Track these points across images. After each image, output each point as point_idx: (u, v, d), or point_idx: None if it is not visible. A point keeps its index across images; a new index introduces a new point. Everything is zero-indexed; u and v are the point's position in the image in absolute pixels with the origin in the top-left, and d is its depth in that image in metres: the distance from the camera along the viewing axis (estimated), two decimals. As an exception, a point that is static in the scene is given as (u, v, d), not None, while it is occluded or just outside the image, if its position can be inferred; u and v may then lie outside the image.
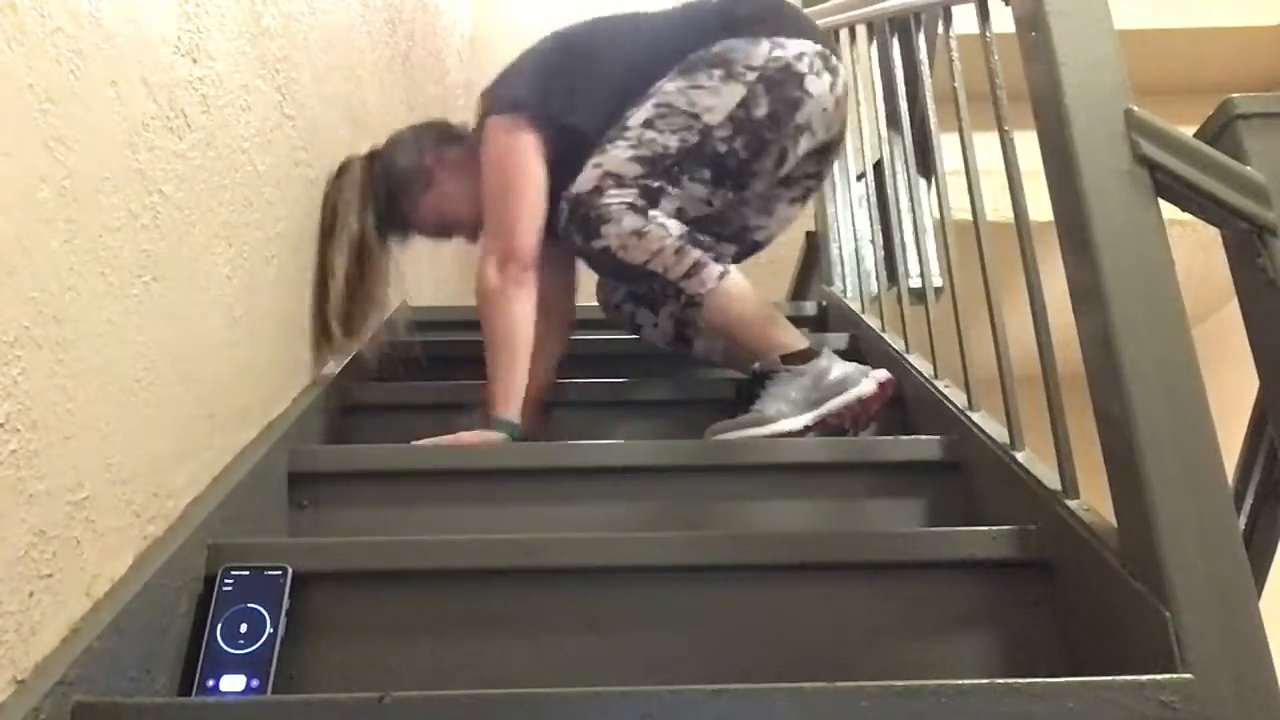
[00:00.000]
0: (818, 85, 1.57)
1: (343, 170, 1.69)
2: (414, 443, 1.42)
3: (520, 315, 1.53)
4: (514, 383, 1.49)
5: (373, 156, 1.72)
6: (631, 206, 1.49)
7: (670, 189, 1.53)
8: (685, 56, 1.58)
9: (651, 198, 1.52)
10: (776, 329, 1.53)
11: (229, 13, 1.26)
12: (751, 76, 1.54)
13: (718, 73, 1.54)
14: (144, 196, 1.00)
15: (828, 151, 1.69)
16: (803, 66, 1.56)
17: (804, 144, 1.60)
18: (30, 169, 0.80)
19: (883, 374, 1.49)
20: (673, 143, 1.53)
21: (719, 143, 1.53)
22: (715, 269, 1.51)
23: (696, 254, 1.50)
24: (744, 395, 1.53)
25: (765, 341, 1.52)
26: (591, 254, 1.52)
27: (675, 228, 1.51)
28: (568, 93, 1.61)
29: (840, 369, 1.48)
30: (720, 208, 1.60)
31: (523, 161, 1.57)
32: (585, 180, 1.52)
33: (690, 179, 1.54)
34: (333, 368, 1.65)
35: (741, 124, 1.53)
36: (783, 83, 1.55)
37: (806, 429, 1.43)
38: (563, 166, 1.57)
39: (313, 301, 1.58)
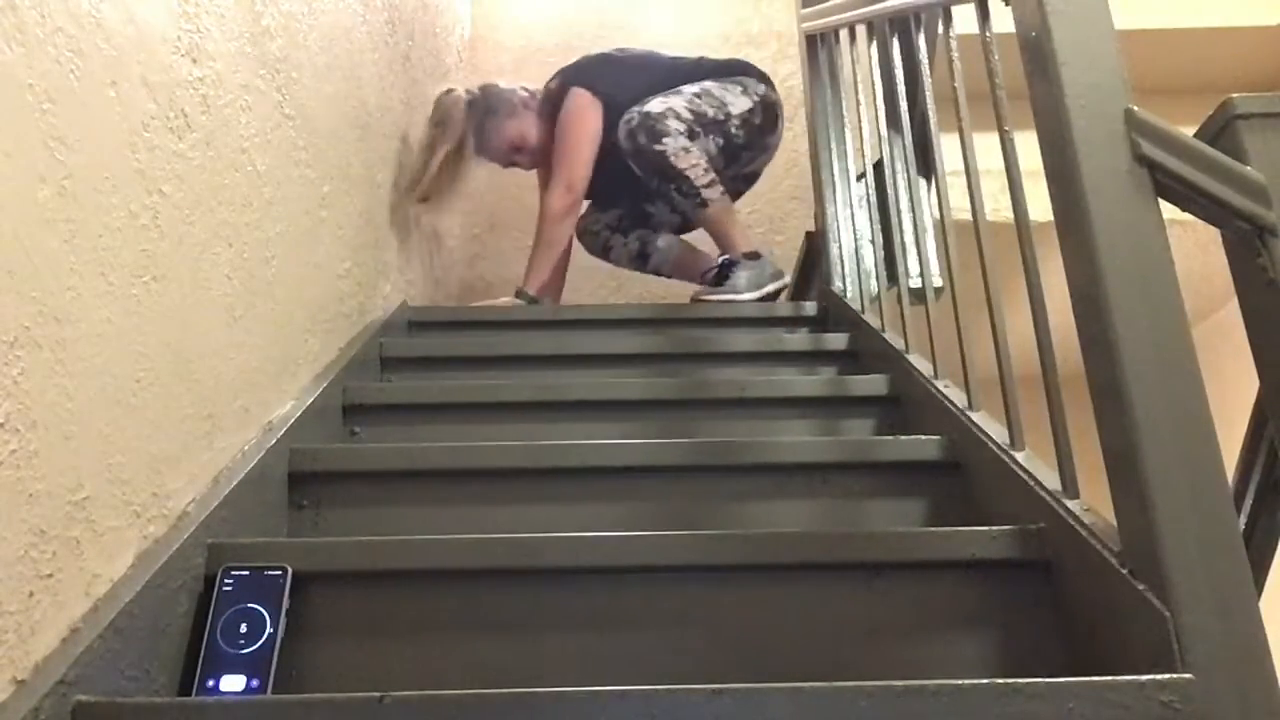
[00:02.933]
0: (780, 129, 2.53)
1: (450, 90, 2.50)
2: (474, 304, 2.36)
3: (567, 229, 2.42)
4: (544, 273, 2.35)
5: (472, 90, 2.51)
6: (683, 133, 2.29)
7: (701, 137, 2.33)
8: (712, 77, 2.44)
9: (691, 134, 2.31)
10: (741, 237, 2.39)
11: (229, 13, 1.26)
12: (756, 98, 2.44)
13: (737, 88, 2.43)
14: (144, 196, 1.00)
15: (751, 179, 2.60)
16: (779, 112, 2.52)
17: (757, 161, 2.53)
18: (30, 169, 0.80)
19: (785, 278, 2.41)
20: (709, 110, 2.36)
21: (732, 127, 2.38)
22: (720, 187, 2.34)
23: (713, 174, 2.32)
24: (717, 275, 2.36)
25: (735, 241, 2.37)
26: (650, 153, 2.27)
27: (703, 154, 2.32)
28: (618, 85, 2.42)
29: (769, 265, 2.36)
30: (717, 169, 2.36)
31: (593, 125, 2.38)
32: (655, 105, 2.30)
33: (710, 139, 2.36)
34: (329, 371, 1.65)
35: (746, 122, 2.41)
36: (769, 113, 2.47)
37: (757, 298, 2.29)
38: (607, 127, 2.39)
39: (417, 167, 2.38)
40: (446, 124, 2.43)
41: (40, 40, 0.82)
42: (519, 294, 2.31)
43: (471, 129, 2.45)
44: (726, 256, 2.36)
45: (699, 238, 2.59)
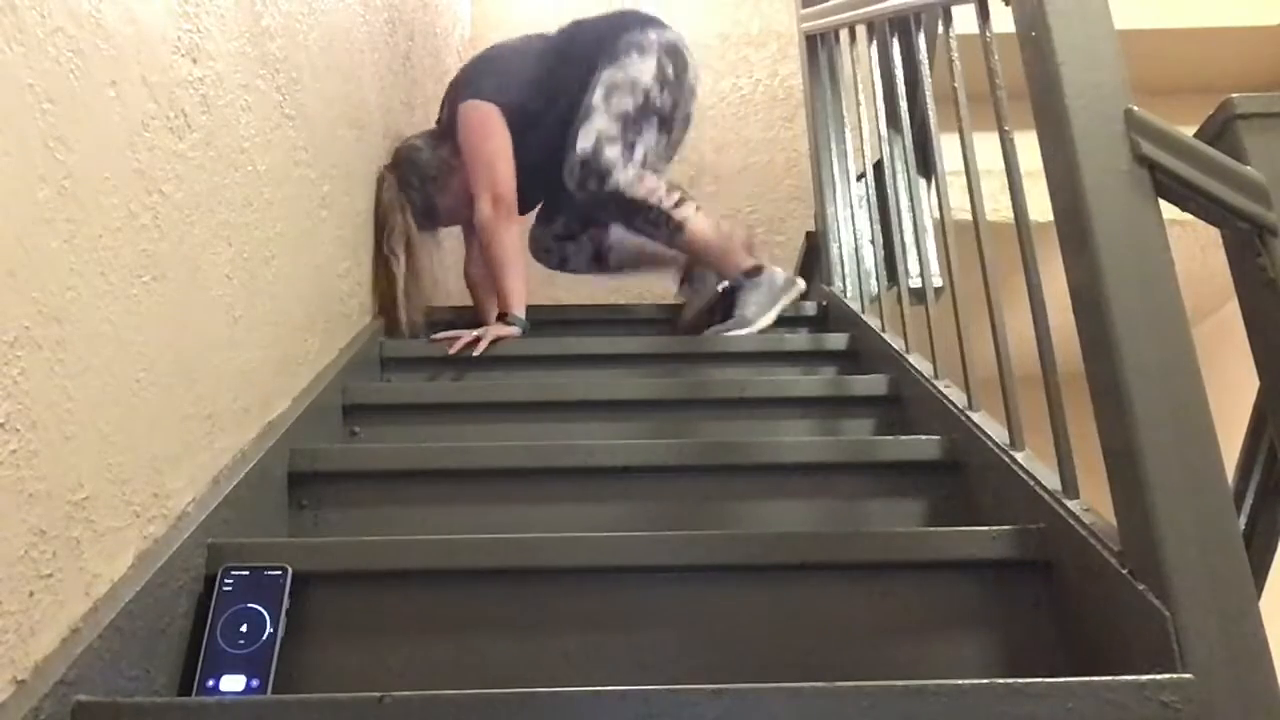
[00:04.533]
0: (690, 58, 2.21)
1: (379, 182, 2.09)
2: (435, 336, 1.92)
3: (515, 237, 2.06)
4: (520, 288, 2.01)
5: (398, 165, 2.14)
6: (624, 158, 2.03)
7: (638, 139, 2.07)
8: (603, 55, 2.14)
9: (631, 147, 2.05)
10: (735, 252, 2.11)
11: (229, 13, 1.26)
12: (656, 49, 2.14)
13: (635, 54, 2.13)
14: (144, 196, 1.00)
15: (686, 122, 2.27)
16: (680, 44, 2.20)
17: (688, 105, 2.22)
18: (30, 169, 0.80)
19: (801, 282, 2.17)
20: (629, 103, 2.07)
21: (654, 98, 2.11)
22: (692, 202, 2.08)
23: (679, 193, 2.07)
24: (722, 309, 2.12)
25: (729, 261, 2.11)
26: (604, 196, 2.01)
27: (655, 176, 2.08)
28: (503, 83, 2.17)
29: (780, 275, 2.12)
30: (661, 150, 2.17)
31: (492, 125, 2.11)
32: (584, 142, 2.02)
33: (647, 128, 2.09)
34: (329, 371, 1.65)
35: (663, 81, 2.13)
36: (674, 53, 2.17)
37: (773, 322, 2.05)
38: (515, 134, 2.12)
39: (379, 293, 2.03)
40: (387, 219, 2.08)
41: (40, 40, 0.82)
42: (508, 319, 1.97)
43: (416, 209, 2.12)
44: (725, 284, 2.14)
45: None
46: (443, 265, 2.78)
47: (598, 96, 2.07)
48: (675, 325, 2.22)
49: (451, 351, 1.85)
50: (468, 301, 2.37)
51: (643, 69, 2.11)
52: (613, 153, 2.02)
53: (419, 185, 2.13)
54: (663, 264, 2.34)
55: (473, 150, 2.11)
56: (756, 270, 2.11)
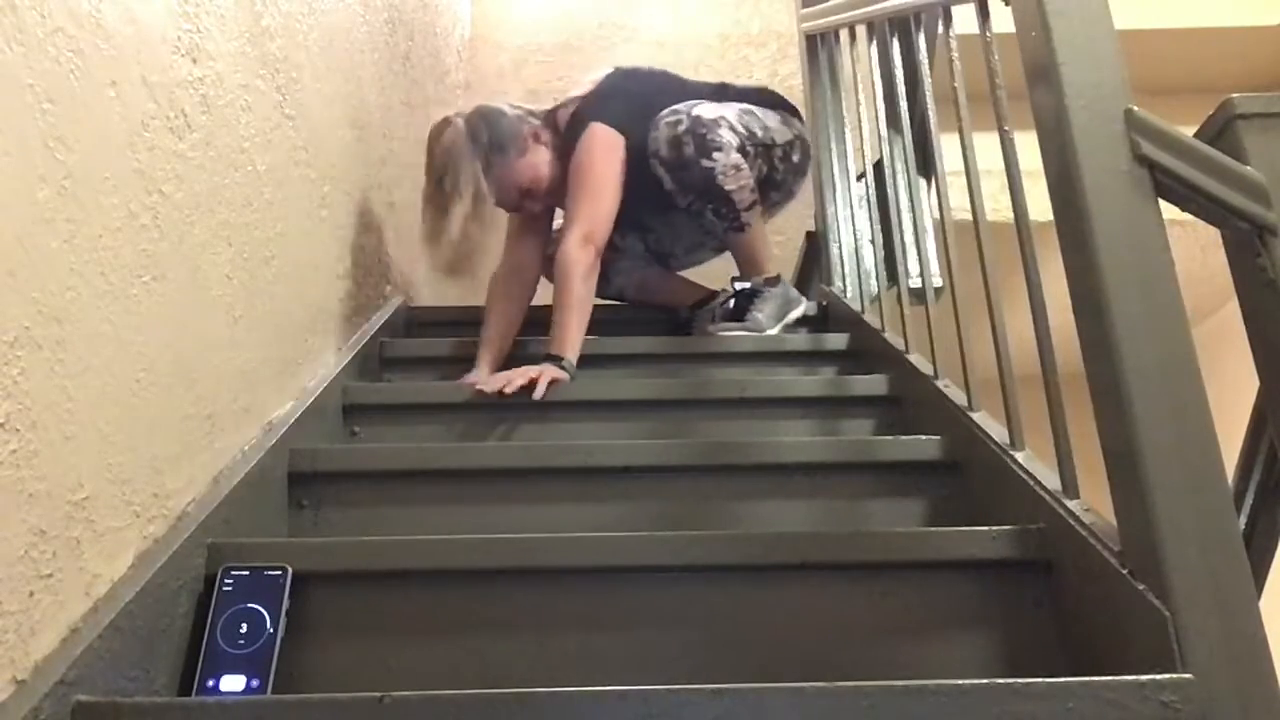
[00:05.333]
0: (809, 171, 2.17)
1: (444, 126, 1.95)
2: (481, 387, 1.62)
3: (593, 286, 1.86)
4: (580, 337, 1.79)
5: (471, 118, 1.95)
6: (736, 147, 1.91)
7: (750, 158, 1.96)
8: (743, 104, 2.03)
9: (743, 151, 1.94)
10: (766, 259, 2.07)
11: (229, 13, 1.26)
12: (796, 130, 2.09)
13: (776, 116, 2.06)
14: (144, 196, 1.00)
15: (781, 201, 2.18)
16: (810, 152, 2.13)
17: (779, 208, 2.16)
18: (30, 169, 0.80)
19: (805, 304, 2.13)
20: (758, 131, 1.99)
21: (776, 157, 2.02)
22: (759, 208, 2.00)
23: (756, 194, 1.97)
24: (735, 304, 2.05)
25: (759, 266, 2.05)
26: (695, 166, 1.88)
27: (752, 173, 1.96)
28: (642, 117, 1.97)
29: (791, 290, 2.10)
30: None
31: (618, 170, 1.92)
32: (709, 110, 1.90)
33: (757, 164, 1.99)
34: (329, 370, 1.65)
35: (787, 155, 2.05)
36: (804, 152, 2.11)
37: (778, 332, 2.02)
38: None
39: (433, 236, 1.96)
40: (456, 172, 1.93)
41: (40, 40, 0.82)
42: (562, 364, 1.71)
43: (477, 170, 1.94)
44: (745, 285, 2.05)
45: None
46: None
47: (734, 108, 1.98)
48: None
49: (508, 390, 1.60)
50: (468, 302, 2.26)
51: (779, 130, 2.04)
52: (728, 136, 1.90)
53: (486, 145, 1.92)
54: (665, 300, 2.26)
55: (585, 173, 1.90)
56: (776, 280, 2.08)
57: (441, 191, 1.93)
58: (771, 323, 2.01)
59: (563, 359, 1.71)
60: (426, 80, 2.76)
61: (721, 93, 2.07)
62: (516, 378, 1.61)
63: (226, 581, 1.05)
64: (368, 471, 1.35)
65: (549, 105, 2.09)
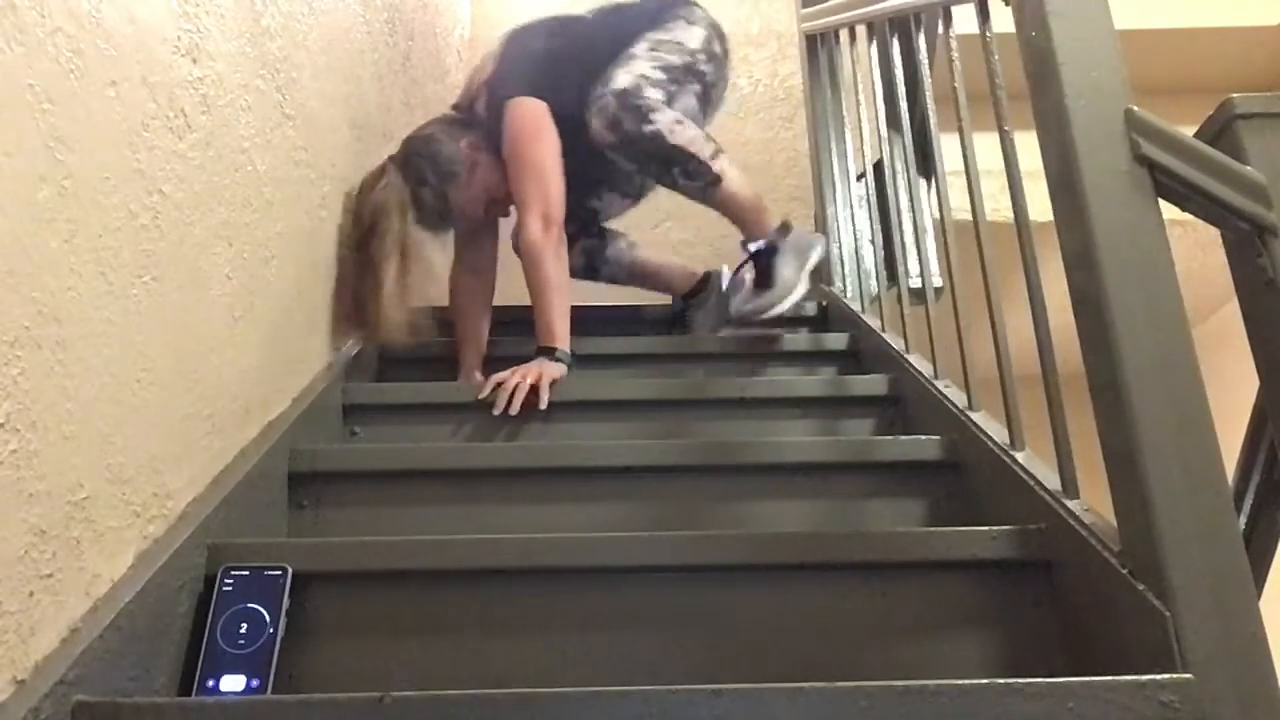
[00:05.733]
0: (730, 48, 2.04)
1: (379, 175, 1.83)
2: (482, 395, 1.59)
3: (564, 267, 1.80)
4: (567, 321, 1.75)
5: (408, 157, 1.87)
6: (665, 101, 1.83)
7: (680, 94, 1.89)
8: (647, 26, 1.97)
9: (671, 97, 1.87)
10: (764, 210, 1.90)
11: (229, 13, 1.26)
12: (705, 24, 1.99)
13: (682, 22, 1.97)
14: (144, 196, 1.00)
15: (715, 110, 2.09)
16: (722, 29, 2.03)
17: (723, 88, 2.03)
18: (30, 169, 0.80)
19: (822, 238, 1.99)
20: (675, 59, 1.90)
21: (700, 64, 1.94)
22: (725, 155, 1.86)
23: (715, 144, 1.85)
24: (756, 269, 1.88)
25: (761, 220, 1.89)
26: (641, 137, 1.79)
27: (695, 122, 1.87)
28: (558, 87, 1.90)
29: (804, 232, 1.94)
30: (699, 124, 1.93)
31: (545, 127, 1.86)
32: (625, 78, 1.83)
33: (690, 89, 1.91)
34: (329, 371, 1.65)
35: (710, 54, 1.97)
36: (721, 34, 2.01)
37: (809, 283, 1.88)
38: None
39: (360, 302, 1.75)
40: (384, 233, 1.76)
41: (40, 40, 0.82)
42: (555, 354, 1.70)
43: (427, 208, 1.86)
44: (760, 243, 1.88)
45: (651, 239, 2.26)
46: (442, 265, 2.78)
47: (640, 48, 1.90)
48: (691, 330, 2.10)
49: (513, 411, 1.56)
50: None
51: (690, 35, 1.96)
52: (654, 94, 1.82)
53: (436, 184, 1.86)
54: (659, 285, 2.20)
55: (521, 155, 1.85)
56: (786, 228, 1.90)
57: (367, 250, 1.77)
58: (798, 274, 1.86)
59: (555, 350, 1.69)
60: (426, 80, 2.76)
61: (628, 21, 1.99)
62: (515, 387, 1.57)
63: (226, 581, 1.05)
64: (368, 471, 1.35)
65: (460, 98, 2.05)
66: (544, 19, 2.06)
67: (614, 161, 1.88)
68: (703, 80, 1.94)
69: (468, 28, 3.69)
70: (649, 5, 2.03)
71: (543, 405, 1.57)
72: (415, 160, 1.87)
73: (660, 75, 1.86)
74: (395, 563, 1.09)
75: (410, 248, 1.80)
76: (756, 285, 1.87)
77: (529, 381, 1.59)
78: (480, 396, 1.58)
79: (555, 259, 1.77)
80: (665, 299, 2.27)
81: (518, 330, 1.93)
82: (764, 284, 1.85)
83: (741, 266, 1.93)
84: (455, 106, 2.04)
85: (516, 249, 1.93)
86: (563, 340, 1.71)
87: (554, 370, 1.64)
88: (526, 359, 1.69)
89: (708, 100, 1.98)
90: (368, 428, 1.63)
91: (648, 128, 1.79)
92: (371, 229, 1.76)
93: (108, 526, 0.91)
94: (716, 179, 1.84)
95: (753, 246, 1.88)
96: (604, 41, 1.96)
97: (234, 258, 1.25)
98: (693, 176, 1.84)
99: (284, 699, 0.95)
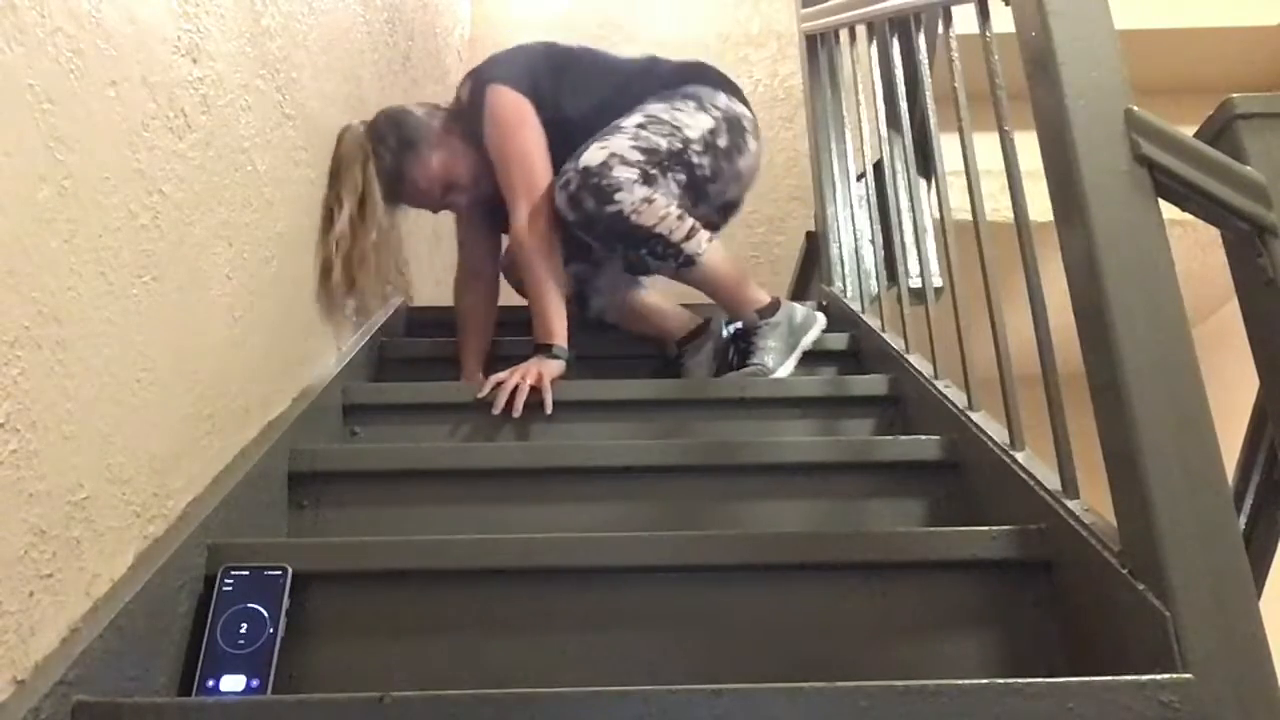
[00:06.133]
0: (754, 145, 1.91)
1: (343, 132, 1.77)
2: (480, 394, 1.57)
3: (558, 262, 1.75)
4: (562, 317, 1.71)
5: (376, 120, 1.83)
6: (637, 180, 1.69)
7: (660, 179, 1.74)
8: (659, 91, 1.86)
9: (648, 180, 1.71)
10: (749, 287, 1.82)
11: (229, 13, 1.26)
12: (717, 113, 1.85)
13: (691, 104, 1.84)
14: (144, 196, 1.00)
15: (729, 210, 2.00)
16: (747, 125, 1.90)
17: (730, 191, 1.91)
18: (30, 169, 0.80)
19: (821, 318, 1.89)
20: (662, 143, 1.76)
21: (693, 154, 1.79)
22: (705, 233, 1.75)
23: (691, 220, 1.74)
24: (734, 350, 1.85)
25: (742, 299, 1.81)
26: (601, 218, 1.67)
27: (670, 198, 1.74)
28: (556, 91, 1.84)
29: (799, 310, 1.86)
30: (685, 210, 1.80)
31: (535, 130, 1.79)
32: (593, 155, 1.69)
33: (672, 177, 1.76)
34: (329, 371, 1.65)
35: (709, 146, 1.82)
36: (735, 129, 1.87)
37: (797, 364, 1.80)
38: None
39: (318, 257, 1.66)
40: (340, 170, 1.73)
41: (40, 40, 0.82)
42: (551, 351, 1.66)
43: (382, 172, 1.78)
44: (738, 325, 1.84)
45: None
46: (442, 265, 2.78)
47: (631, 121, 1.78)
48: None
49: (515, 412, 1.54)
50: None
51: (694, 121, 1.81)
52: (624, 174, 1.68)
53: (395, 147, 1.79)
54: (651, 328, 1.98)
55: (503, 141, 1.78)
56: (772, 308, 1.81)
57: (333, 189, 1.72)
58: (781, 359, 1.78)
59: (552, 346, 1.66)
60: (426, 80, 2.76)
61: (646, 73, 1.89)
62: (515, 387, 1.55)
63: (226, 581, 1.05)
64: (368, 471, 1.35)
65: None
66: (577, 46, 1.98)
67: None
68: (691, 171, 1.79)
69: (468, 28, 3.69)
70: (681, 71, 1.92)
71: (548, 409, 1.55)
72: (380, 119, 1.83)
73: (637, 156, 1.72)
74: (395, 563, 1.09)
75: (369, 204, 1.73)
76: (736, 366, 1.81)
77: (529, 382, 1.57)
78: (479, 396, 1.57)
79: (547, 255, 1.72)
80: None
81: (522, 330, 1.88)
82: (740, 363, 1.80)
83: (721, 344, 1.89)
84: (439, 107, 1.96)
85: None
86: (560, 336, 1.68)
87: (553, 369, 1.62)
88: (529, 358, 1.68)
89: (698, 191, 1.82)
90: (368, 428, 1.63)
91: (609, 208, 1.67)
92: (333, 177, 1.72)
93: (108, 526, 0.91)
94: (689, 260, 1.73)
95: (731, 328, 1.87)
96: (612, 87, 1.87)
97: (234, 258, 1.25)
98: (662, 258, 1.73)
99: (284, 699, 0.95)
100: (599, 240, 1.74)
